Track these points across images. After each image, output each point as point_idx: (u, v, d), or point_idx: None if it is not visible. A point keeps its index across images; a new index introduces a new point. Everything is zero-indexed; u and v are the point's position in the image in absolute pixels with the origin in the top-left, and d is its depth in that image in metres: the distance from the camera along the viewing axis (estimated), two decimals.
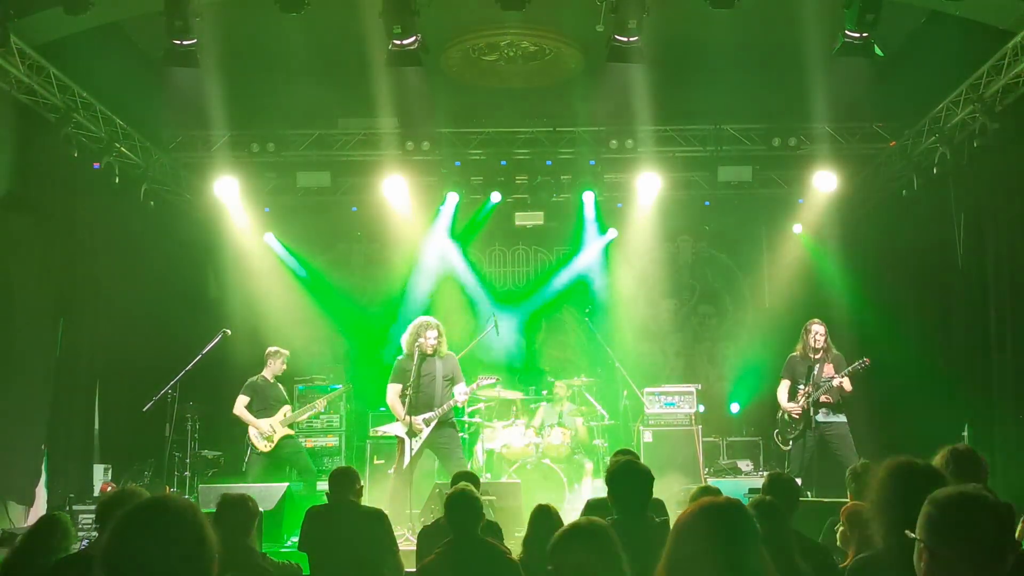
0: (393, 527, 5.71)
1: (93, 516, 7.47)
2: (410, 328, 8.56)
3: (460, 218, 11.95)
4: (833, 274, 11.24)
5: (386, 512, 5.75)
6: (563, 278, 12.39)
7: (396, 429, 8.57)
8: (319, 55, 9.21)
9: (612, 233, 12.03)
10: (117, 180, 9.50)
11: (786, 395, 9.04)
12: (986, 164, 8.94)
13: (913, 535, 2.38)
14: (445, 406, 8.31)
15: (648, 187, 11.23)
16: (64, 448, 9.21)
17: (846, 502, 4.93)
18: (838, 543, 4.45)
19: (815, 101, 9.95)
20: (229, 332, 9.39)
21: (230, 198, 11.12)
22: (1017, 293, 8.50)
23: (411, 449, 8.15)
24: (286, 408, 9.35)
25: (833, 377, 8.66)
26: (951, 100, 9.06)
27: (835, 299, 10.98)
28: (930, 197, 9.94)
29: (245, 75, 9.69)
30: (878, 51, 7.63)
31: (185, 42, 7.53)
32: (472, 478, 5.76)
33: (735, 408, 11.94)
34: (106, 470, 9.80)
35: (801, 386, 8.87)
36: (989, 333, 8.88)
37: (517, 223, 12.15)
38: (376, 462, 10.18)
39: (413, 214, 11.64)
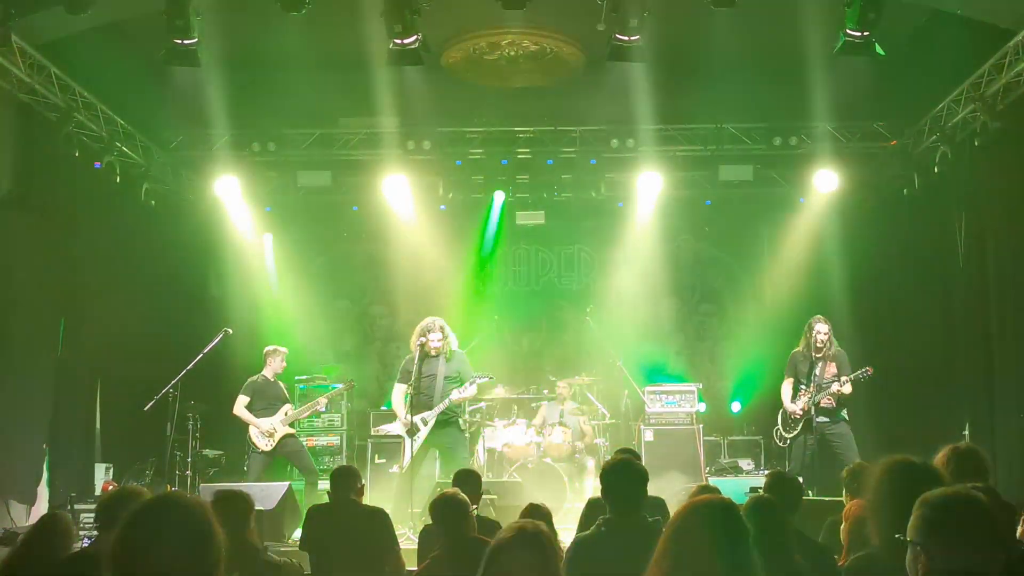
0: (395, 526, 5.72)
1: (94, 515, 7.49)
2: (416, 329, 8.59)
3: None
4: (834, 273, 11.22)
5: (390, 511, 5.76)
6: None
7: (397, 428, 8.59)
8: (320, 54, 9.20)
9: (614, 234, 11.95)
10: (118, 179, 9.52)
11: (790, 394, 9.02)
12: (987, 163, 8.94)
13: (900, 537, 2.39)
14: (442, 404, 8.32)
15: (649, 186, 11.22)
16: (65, 447, 9.22)
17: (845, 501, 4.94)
18: (842, 542, 4.46)
19: (816, 100, 9.94)
20: (231, 331, 9.39)
21: (231, 197, 11.12)
22: (1018, 292, 8.49)
23: (411, 448, 8.17)
24: (287, 407, 9.35)
25: (835, 380, 8.64)
26: (952, 99, 9.05)
27: (836, 298, 10.97)
28: (931, 196, 9.94)
29: (246, 74, 9.70)
30: (879, 50, 7.61)
31: (186, 41, 7.53)
32: (473, 476, 5.77)
33: (736, 407, 11.94)
34: (107, 469, 9.80)
35: (803, 387, 8.87)
36: (990, 331, 8.88)
37: (518, 222, 12.15)
38: (377, 461, 10.18)
39: (414, 213, 11.65)
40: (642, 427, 10.03)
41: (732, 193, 11.56)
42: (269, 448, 9.08)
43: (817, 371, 8.78)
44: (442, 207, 11.80)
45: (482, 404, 10.10)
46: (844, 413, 8.75)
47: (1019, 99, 8.23)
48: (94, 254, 9.79)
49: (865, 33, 7.39)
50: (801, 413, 8.77)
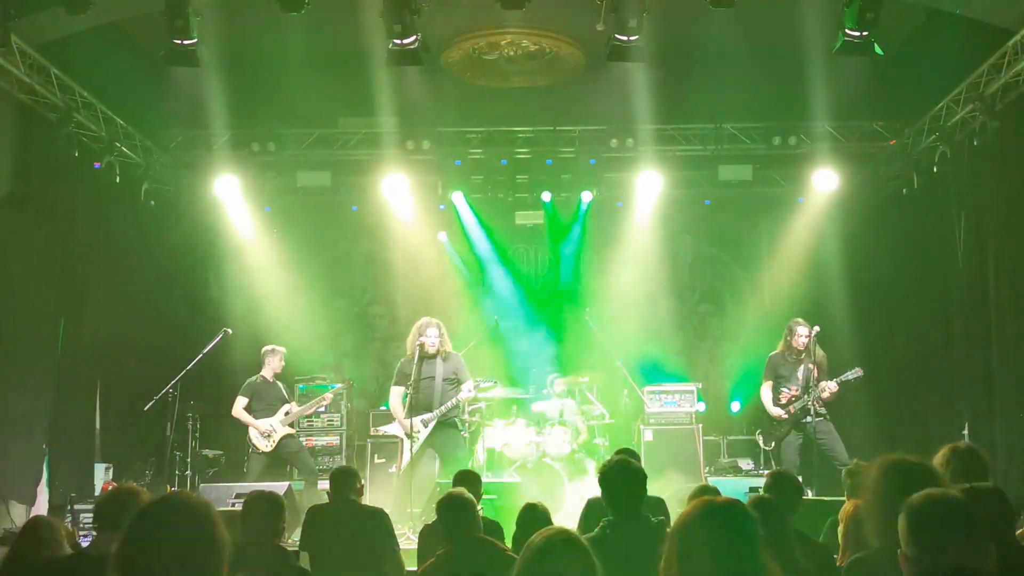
0: (394, 526, 5.72)
1: (92, 515, 7.49)
2: (413, 329, 8.59)
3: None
4: (833, 273, 11.23)
5: (389, 511, 5.77)
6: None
7: (396, 429, 8.60)
8: (319, 54, 9.21)
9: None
10: (118, 179, 9.52)
11: (770, 397, 9.10)
12: (986, 163, 8.94)
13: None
14: (444, 407, 8.32)
15: (648, 186, 11.23)
16: (65, 447, 9.21)
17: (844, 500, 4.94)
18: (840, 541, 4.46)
19: (815, 100, 9.94)
20: (230, 332, 9.40)
21: (230, 197, 11.12)
22: (1017, 291, 8.49)
23: (409, 450, 8.18)
24: (286, 407, 9.35)
25: (825, 381, 8.76)
26: (951, 99, 9.05)
27: (835, 297, 10.97)
28: (930, 196, 9.94)
29: (245, 74, 9.69)
30: (878, 50, 7.61)
31: (186, 41, 7.52)
32: (473, 477, 5.77)
33: (735, 407, 11.93)
34: (107, 469, 9.79)
35: (785, 388, 8.94)
36: (989, 331, 8.87)
37: (517, 222, 12.16)
38: (377, 461, 10.17)
39: (413, 213, 11.65)
40: (641, 427, 10.03)
41: (731, 193, 11.56)
42: (269, 449, 9.08)
43: (800, 373, 8.85)
44: (441, 207, 11.81)
45: (482, 404, 10.09)
46: (824, 411, 8.86)
47: (1018, 99, 8.23)
48: (94, 254, 9.79)
49: (864, 33, 7.39)
50: (787, 416, 8.87)
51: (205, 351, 9.17)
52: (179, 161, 11.08)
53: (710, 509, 2.50)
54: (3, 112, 8.47)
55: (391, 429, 8.78)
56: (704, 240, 12.72)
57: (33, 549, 4.19)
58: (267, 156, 10.87)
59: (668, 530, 2.58)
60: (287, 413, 9.32)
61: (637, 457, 5.12)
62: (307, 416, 10.46)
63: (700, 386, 10.45)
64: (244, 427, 9.21)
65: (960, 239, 9.34)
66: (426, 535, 5.58)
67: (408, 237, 11.94)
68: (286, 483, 8.11)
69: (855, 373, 8.66)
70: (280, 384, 9.55)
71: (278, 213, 11.88)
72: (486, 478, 8.22)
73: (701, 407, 10.28)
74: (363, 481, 5.89)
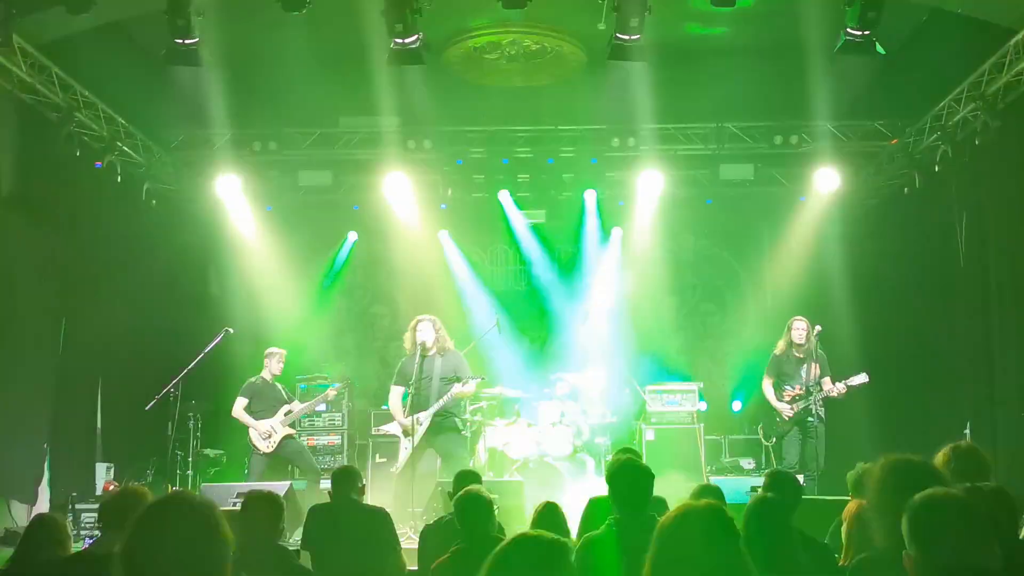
0: (396, 525, 5.73)
1: (96, 515, 7.50)
2: (409, 327, 8.60)
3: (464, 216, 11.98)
4: (834, 271, 11.22)
5: (390, 511, 5.77)
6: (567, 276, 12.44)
7: (396, 428, 8.61)
8: (321, 54, 9.21)
9: (617, 233, 11.99)
10: (119, 179, 9.52)
11: (772, 392, 9.24)
12: (988, 162, 8.94)
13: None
14: (438, 403, 8.33)
15: (650, 185, 11.21)
16: (66, 447, 9.23)
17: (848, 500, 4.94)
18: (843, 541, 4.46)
19: (817, 99, 9.94)
20: (232, 331, 9.40)
21: (232, 197, 11.11)
22: (1019, 290, 8.50)
23: (407, 448, 8.19)
24: (286, 407, 9.34)
25: (827, 380, 8.95)
26: (953, 98, 9.05)
27: (836, 297, 10.97)
28: (932, 195, 9.94)
29: (247, 74, 9.70)
30: (880, 49, 7.61)
31: (187, 41, 7.53)
32: (474, 477, 5.77)
33: (737, 406, 11.93)
34: (108, 469, 9.80)
35: (789, 386, 9.02)
36: (991, 330, 8.88)
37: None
38: (378, 460, 10.18)
39: (415, 212, 11.65)
40: (643, 426, 10.03)
41: (733, 192, 11.55)
42: (269, 450, 9.08)
43: (803, 372, 8.97)
44: (443, 206, 11.81)
45: (483, 403, 10.09)
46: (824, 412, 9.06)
47: (1020, 98, 8.23)
48: (95, 254, 9.80)
49: (866, 32, 7.38)
50: (792, 414, 8.99)
51: (206, 350, 9.18)
52: (180, 161, 11.08)
53: (689, 514, 2.50)
54: (4, 111, 8.47)
55: (392, 428, 8.79)
56: (706, 239, 12.70)
57: (39, 548, 4.20)
58: (268, 155, 10.88)
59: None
60: (287, 413, 9.31)
61: (639, 456, 5.14)
62: (308, 415, 10.46)
63: (701, 385, 10.45)
64: (245, 427, 9.21)
65: (961, 238, 9.34)
66: (427, 535, 5.58)
67: (409, 236, 11.93)
68: (287, 482, 8.12)
69: (861, 379, 8.73)
70: (279, 386, 9.54)
71: (279, 212, 11.88)
72: (487, 478, 8.23)
73: (703, 406, 10.28)
74: (364, 480, 5.88)
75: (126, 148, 9.70)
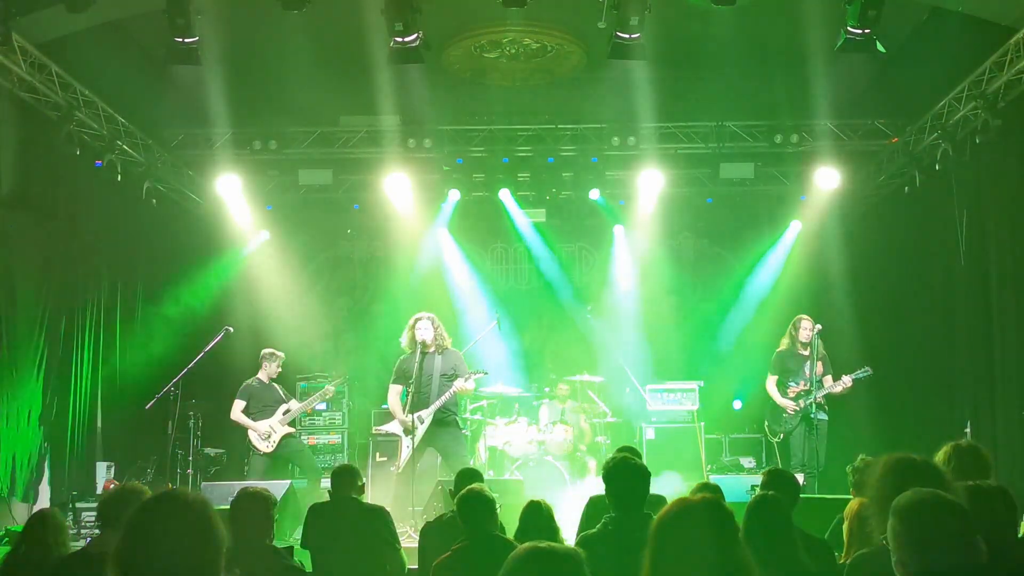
0: (396, 524, 5.72)
1: (95, 514, 7.49)
2: (407, 326, 8.60)
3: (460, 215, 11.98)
4: (835, 270, 11.22)
5: (390, 509, 5.77)
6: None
7: (396, 427, 8.61)
8: (321, 52, 9.21)
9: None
10: (119, 178, 9.50)
11: (776, 390, 9.25)
12: (988, 160, 8.94)
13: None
14: (438, 402, 8.33)
15: (650, 184, 11.21)
16: (66, 446, 9.22)
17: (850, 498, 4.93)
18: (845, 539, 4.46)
19: (817, 98, 9.95)
20: (232, 330, 9.40)
21: (232, 196, 11.11)
22: (1019, 289, 8.50)
23: (408, 447, 8.19)
24: (284, 406, 9.33)
25: (831, 378, 9.02)
26: (953, 96, 9.03)
27: (837, 295, 10.97)
28: (932, 193, 9.93)
29: (247, 73, 9.70)
30: (880, 47, 7.61)
31: (187, 40, 7.52)
32: (476, 475, 5.76)
33: (737, 405, 11.92)
34: (109, 468, 9.80)
35: (793, 383, 9.05)
36: (991, 329, 8.88)
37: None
38: (378, 459, 10.16)
39: (415, 211, 11.65)
40: (643, 425, 10.03)
41: (733, 191, 11.56)
42: (269, 450, 9.08)
43: (807, 369, 9.03)
44: (443, 205, 11.80)
45: (483, 402, 10.10)
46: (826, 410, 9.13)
47: (1020, 96, 8.22)
48: (95, 252, 9.79)
49: (866, 30, 7.38)
50: (797, 409, 9.01)
51: (206, 349, 9.18)
52: (180, 159, 11.07)
53: (686, 509, 2.49)
54: (4, 110, 8.46)
55: (392, 427, 8.79)
56: (706, 238, 12.70)
57: (37, 544, 4.20)
58: (268, 154, 10.87)
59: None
60: (286, 412, 9.30)
61: (639, 455, 5.13)
62: (309, 414, 10.45)
63: (702, 384, 10.44)
64: (245, 427, 9.21)
65: (962, 237, 9.33)
66: (427, 533, 5.57)
67: (409, 235, 11.93)
68: (287, 481, 8.11)
69: (865, 371, 8.78)
70: (277, 386, 9.52)
71: (279, 211, 11.88)
72: (488, 476, 8.23)
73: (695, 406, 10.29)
74: (364, 479, 5.88)
75: (126, 147, 9.69)
